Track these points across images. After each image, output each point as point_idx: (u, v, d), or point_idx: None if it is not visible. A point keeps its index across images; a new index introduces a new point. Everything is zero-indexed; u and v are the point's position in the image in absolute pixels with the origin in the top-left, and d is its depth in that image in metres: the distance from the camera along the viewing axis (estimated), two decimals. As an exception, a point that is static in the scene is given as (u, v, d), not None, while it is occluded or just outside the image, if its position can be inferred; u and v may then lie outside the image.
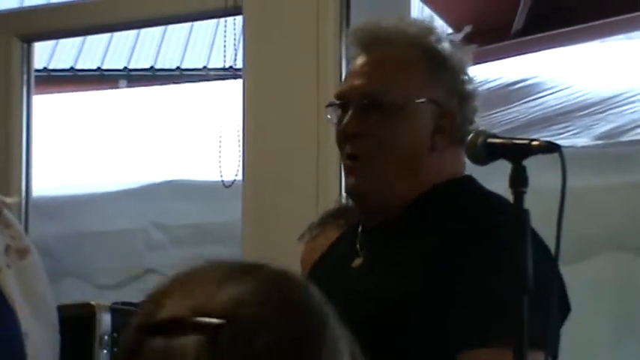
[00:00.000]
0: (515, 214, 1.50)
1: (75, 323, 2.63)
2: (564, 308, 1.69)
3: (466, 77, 1.78)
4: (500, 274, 1.58)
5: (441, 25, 2.71)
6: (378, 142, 1.73)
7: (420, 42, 1.77)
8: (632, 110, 3.42)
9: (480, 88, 1.95)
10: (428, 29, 1.81)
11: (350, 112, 1.73)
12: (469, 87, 1.77)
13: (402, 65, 1.76)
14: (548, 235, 1.57)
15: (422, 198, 1.75)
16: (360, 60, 1.80)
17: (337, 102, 1.78)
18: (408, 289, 1.73)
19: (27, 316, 2.09)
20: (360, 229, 1.82)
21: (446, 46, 1.78)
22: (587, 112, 3.48)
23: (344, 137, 1.75)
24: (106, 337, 2.72)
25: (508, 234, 1.54)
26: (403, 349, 1.74)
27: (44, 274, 2.20)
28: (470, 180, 1.81)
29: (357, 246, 1.81)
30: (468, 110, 1.77)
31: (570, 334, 1.76)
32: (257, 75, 2.83)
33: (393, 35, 1.79)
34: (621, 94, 3.53)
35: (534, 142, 1.55)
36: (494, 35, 3.76)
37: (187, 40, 8.22)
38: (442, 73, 1.75)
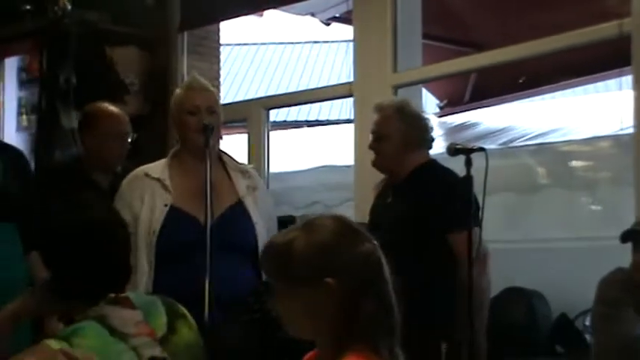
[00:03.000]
0: (464, 176, 3.15)
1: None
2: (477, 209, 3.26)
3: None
4: (453, 198, 3.32)
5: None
6: None
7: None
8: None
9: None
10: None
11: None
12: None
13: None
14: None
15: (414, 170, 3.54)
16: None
17: None
18: (411, 209, 3.46)
19: (261, 227, 3.22)
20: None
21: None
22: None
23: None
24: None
25: (457, 183, 3.33)
26: (413, 234, 3.39)
27: (268, 201, 3.43)
28: (435, 161, 3.59)
29: (390, 192, 3.60)
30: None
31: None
32: None
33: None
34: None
35: (474, 146, 3.17)
36: (457, 102, 7.90)
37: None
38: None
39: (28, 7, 5.49)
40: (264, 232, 3.18)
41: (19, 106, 5.98)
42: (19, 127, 5.93)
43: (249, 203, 3.21)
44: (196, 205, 3.07)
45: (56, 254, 2.08)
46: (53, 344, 1.89)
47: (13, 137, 5.55)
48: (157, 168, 3.20)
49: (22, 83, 5.98)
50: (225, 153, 3.34)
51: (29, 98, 5.92)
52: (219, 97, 3.34)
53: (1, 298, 2.58)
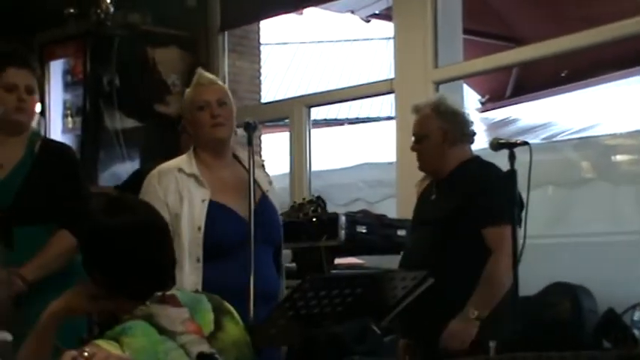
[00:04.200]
0: (508, 170, 3.10)
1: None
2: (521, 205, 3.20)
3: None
4: (490, 193, 3.38)
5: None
6: None
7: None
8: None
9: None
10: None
11: None
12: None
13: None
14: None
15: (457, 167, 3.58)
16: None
17: None
18: (454, 205, 3.48)
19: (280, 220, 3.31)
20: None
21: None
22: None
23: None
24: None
25: (497, 178, 3.40)
26: (454, 230, 3.43)
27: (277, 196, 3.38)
28: (477, 157, 3.61)
29: (433, 189, 3.65)
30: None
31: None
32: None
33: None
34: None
35: (518, 140, 3.15)
36: (499, 97, 7.85)
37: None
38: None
39: (71, 10, 5.56)
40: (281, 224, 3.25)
41: (65, 108, 6.06)
42: (65, 129, 6.02)
43: (273, 197, 3.23)
44: (232, 200, 3.09)
45: (110, 253, 2.10)
46: (103, 344, 1.92)
47: (59, 139, 5.61)
48: (186, 163, 3.15)
49: (67, 86, 6.06)
50: (237, 149, 3.31)
51: (74, 100, 6.00)
52: (228, 90, 3.29)
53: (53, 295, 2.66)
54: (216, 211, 3.05)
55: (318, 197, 4.42)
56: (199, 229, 3.01)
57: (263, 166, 3.28)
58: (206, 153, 3.18)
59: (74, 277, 3.10)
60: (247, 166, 3.08)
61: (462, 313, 3.34)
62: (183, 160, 3.18)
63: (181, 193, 3.04)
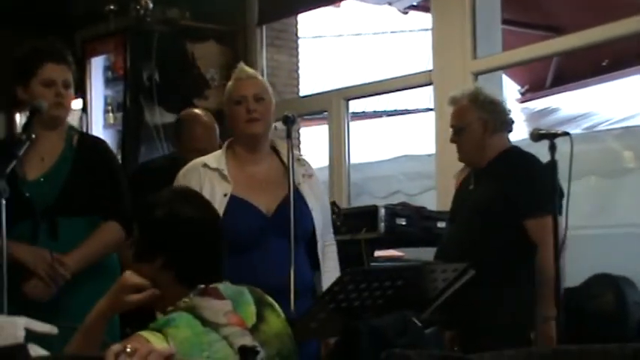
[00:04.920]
0: (548, 161, 3.04)
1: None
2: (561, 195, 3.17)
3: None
4: (531, 183, 3.40)
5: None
6: None
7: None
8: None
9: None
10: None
11: None
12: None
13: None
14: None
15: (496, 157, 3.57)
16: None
17: None
18: (492, 196, 3.50)
19: (317, 213, 3.21)
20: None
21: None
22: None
23: None
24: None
25: (538, 168, 3.40)
26: (493, 221, 3.44)
27: (322, 189, 3.37)
28: (516, 148, 3.63)
29: (472, 180, 3.67)
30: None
31: None
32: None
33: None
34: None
35: (558, 131, 3.10)
36: (539, 87, 7.78)
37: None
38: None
39: (112, 7, 5.62)
40: (319, 218, 3.18)
41: (106, 104, 6.13)
42: (106, 125, 6.09)
43: (306, 190, 3.18)
44: (256, 194, 3.09)
45: (181, 238, 2.17)
46: (147, 336, 1.94)
47: (101, 134, 5.69)
48: (214, 158, 3.18)
49: (107, 82, 6.13)
50: (277, 141, 3.30)
51: (115, 96, 6.07)
52: (267, 85, 3.28)
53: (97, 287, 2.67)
54: (235, 205, 3.06)
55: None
56: None
57: (299, 160, 3.25)
58: (240, 147, 3.19)
59: (107, 269, 3.22)
60: (286, 159, 3.09)
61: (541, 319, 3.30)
62: (213, 155, 3.22)
63: (202, 187, 3.05)
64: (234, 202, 3.06)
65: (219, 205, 3.00)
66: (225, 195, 3.07)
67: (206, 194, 2.98)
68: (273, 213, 3.06)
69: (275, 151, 3.25)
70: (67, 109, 3.30)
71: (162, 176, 3.32)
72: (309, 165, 3.30)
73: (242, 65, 3.31)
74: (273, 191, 3.04)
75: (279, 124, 3.24)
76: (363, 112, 10.99)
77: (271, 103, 3.22)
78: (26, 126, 3.06)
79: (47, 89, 3.20)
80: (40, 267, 3.07)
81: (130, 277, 2.18)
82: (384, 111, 11.55)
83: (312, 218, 3.15)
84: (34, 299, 3.06)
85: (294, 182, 3.01)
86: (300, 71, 6.90)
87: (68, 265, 3.12)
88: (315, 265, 3.17)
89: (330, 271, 3.17)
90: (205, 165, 3.15)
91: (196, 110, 4.39)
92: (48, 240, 3.14)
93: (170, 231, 2.18)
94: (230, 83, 3.26)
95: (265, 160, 3.20)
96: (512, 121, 3.66)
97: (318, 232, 3.17)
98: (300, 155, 3.36)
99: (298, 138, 6.78)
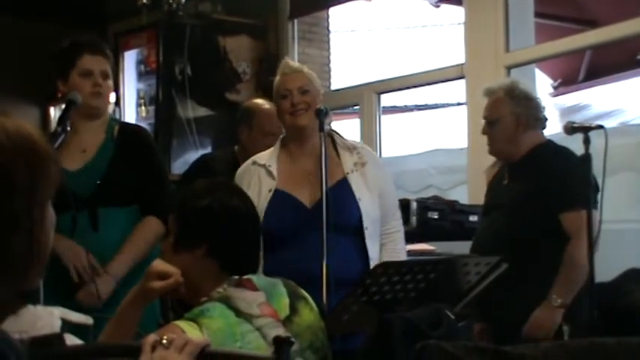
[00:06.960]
0: (583, 154, 3.11)
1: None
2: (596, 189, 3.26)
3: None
4: (567, 177, 3.38)
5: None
6: None
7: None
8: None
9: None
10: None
11: None
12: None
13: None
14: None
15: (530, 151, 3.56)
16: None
17: None
18: (528, 190, 3.51)
19: (366, 203, 3.17)
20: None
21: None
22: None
23: None
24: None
25: (573, 162, 3.37)
26: (530, 215, 3.44)
27: (382, 175, 3.27)
28: (551, 142, 3.61)
29: (505, 174, 3.66)
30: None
31: None
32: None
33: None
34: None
35: (592, 124, 3.18)
36: (572, 81, 7.73)
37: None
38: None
39: (144, 1, 5.65)
40: (370, 206, 3.15)
41: (138, 97, 6.17)
42: (139, 118, 6.12)
43: (355, 179, 3.17)
44: (300, 187, 3.12)
45: (227, 226, 2.20)
46: (183, 326, 1.96)
47: (133, 128, 5.72)
48: (266, 155, 3.26)
49: (140, 75, 6.16)
50: (335, 132, 3.32)
51: (147, 90, 6.10)
52: (312, 77, 3.29)
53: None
54: (277, 199, 3.11)
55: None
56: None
57: (351, 148, 3.24)
58: (290, 141, 3.25)
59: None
60: (339, 149, 3.18)
61: (546, 302, 3.31)
62: (267, 151, 3.28)
63: (250, 183, 3.13)
64: (277, 196, 3.12)
65: (264, 200, 3.07)
66: (270, 190, 3.13)
67: (254, 191, 3.08)
68: (314, 205, 3.07)
69: (332, 139, 3.26)
70: (106, 99, 3.32)
71: (224, 170, 3.37)
72: (365, 152, 3.27)
73: (287, 60, 3.38)
74: (320, 183, 3.00)
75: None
76: (395, 106, 10.99)
77: (318, 94, 3.25)
78: (61, 119, 3.06)
79: (85, 80, 3.22)
80: (72, 262, 3.09)
81: (157, 265, 2.19)
82: (415, 105, 11.53)
83: (359, 208, 3.13)
84: (87, 306, 3.02)
85: (326, 175, 2.99)
86: (331, 65, 6.89)
87: (108, 279, 3.12)
88: (364, 255, 3.12)
89: (391, 259, 3.12)
90: (255, 162, 3.23)
91: (257, 100, 4.39)
92: (88, 230, 3.16)
93: (217, 219, 2.19)
94: (277, 78, 3.30)
95: (315, 153, 3.18)
96: (546, 119, 3.63)
97: (367, 222, 3.13)
98: (356, 143, 3.34)
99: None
